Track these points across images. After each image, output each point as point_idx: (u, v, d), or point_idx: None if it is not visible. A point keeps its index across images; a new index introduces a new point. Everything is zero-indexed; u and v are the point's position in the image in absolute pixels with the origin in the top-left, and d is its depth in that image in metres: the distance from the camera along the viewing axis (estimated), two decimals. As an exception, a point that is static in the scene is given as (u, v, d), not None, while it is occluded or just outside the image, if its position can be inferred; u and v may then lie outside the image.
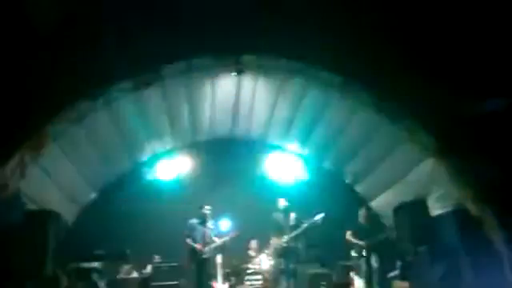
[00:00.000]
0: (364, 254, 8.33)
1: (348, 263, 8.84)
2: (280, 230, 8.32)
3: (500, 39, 6.14)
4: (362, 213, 8.80)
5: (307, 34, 6.54)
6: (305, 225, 8.22)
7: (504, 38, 6.13)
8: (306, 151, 10.79)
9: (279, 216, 8.42)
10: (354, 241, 8.57)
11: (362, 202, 10.09)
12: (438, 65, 6.38)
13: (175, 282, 8.75)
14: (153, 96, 8.39)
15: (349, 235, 8.66)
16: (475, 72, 6.37)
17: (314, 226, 8.26)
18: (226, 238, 8.59)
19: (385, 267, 8.72)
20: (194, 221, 8.45)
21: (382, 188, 9.67)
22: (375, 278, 8.38)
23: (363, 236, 8.50)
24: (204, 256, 8.22)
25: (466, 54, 6.23)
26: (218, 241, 8.45)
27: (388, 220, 9.48)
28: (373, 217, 9.15)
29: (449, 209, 7.45)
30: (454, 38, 6.31)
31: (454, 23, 6.26)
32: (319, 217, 8.22)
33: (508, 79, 6.18)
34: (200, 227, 8.40)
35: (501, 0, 6.07)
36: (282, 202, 8.50)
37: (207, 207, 8.49)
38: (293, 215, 8.39)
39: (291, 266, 8.18)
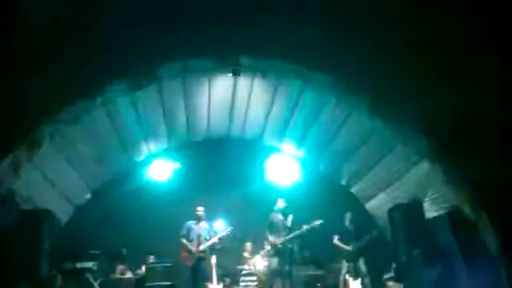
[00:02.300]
0: (352, 257, 8.45)
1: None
2: (276, 231, 8.32)
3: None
4: (347, 216, 8.90)
5: (304, 37, 6.54)
6: (303, 228, 8.24)
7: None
8: (301, 152, 10.79)
9: (276, 217, 8.43)
10: (341, 245, 8.66)
11: (356, 203, 10.13)
12: (434, 67, 6.39)
13: (170, 283, 8.75)
14: (149, 96, 8.38)
15: (336, 240, 8.75)
16: (472, 75, 6.39)
17: (311, 230, 8.29)
18: (222, 235, 8.59)
19: (378, 269, 8.77)
20: (190, 222, 8.46)
21: (377, 190, 9.68)
22: (366, 280, 8.44)
23: (350, 240, 8.59)
24: (199, 256, 8.21)
25: (462, 56, 6.25)
26: (212, 240, 8.45)
27: (383, 221, 9.51)
28: (358, 220, 9.20)
29: (444, 211, 7.47)
30: (450, 41, 6.33)
31: (451, 25, 6.29)
32: (317, 223, 8.25)
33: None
34: (195, 227, 8.41)
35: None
36: (279, 203, 8.51)
37: (200, 208, 8.50)
38: (290, 217, 8.39)
39: (286, 267, 8.19)
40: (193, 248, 8.19)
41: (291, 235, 8.18)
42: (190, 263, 8.26)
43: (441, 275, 7.13)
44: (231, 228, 8.75)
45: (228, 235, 8.74)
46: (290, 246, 8.26)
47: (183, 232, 8.37)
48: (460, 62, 6.35)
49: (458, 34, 6.29)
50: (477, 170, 6.14)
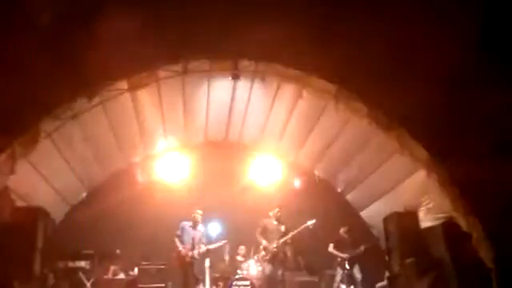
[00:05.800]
0: (347, 266, 8.45)
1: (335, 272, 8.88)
2: (270, 237, 8.30)
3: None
4: (343, 227, 8.92)
5: (303, 42, 6.56)
6: (296, 230, 8.24)
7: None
8: (298, 158, 10.80)
9: (270, 223, 8.41)
10: (336, 253, 8.67)
11: (352, 211, 10.14)
12: (432, 76, 6.41)
13: (162, 285, 8.70)
14: (148, 97, 8.39)
15: (331, 248, 8.76)
16: (467, 83, 6.40)
17: (304, 231, 8.28)
18: (215, 246, 8.60)
19: (371, 277, 8.77)
20: (186, 223, 8.43)
21: (373, 198, 9.70)
22: None
23: (345, 247, 8.60)
24: (190, 259, 8.17)
25: (460, 64, 6.26)
26: (206, 246, 8.42)
27: (378, 230, 9.52)
28: (354, 228, 9.21)
29: (438, 221, 7.48)
30: (448, 47, 6.35)
31: (449, 32, 6.30)
32: (310, 223, 8.26)
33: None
34: (190, 230, 8.38)
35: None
36: (274, 209, 8.49)
37: (198, 211, 8.47)
38: (283, 223, 8.39)
39: (279, 272, 8.17)
40: (185, 252, 8.15)
41: (286, 237, 8.18)
42: (180, 266, 8.21)
43: (433, 285, 7.12)
44: (224, 241, 8.76)
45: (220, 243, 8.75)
46: (283, 251, 8.24)
47: (178, 232, 8.33)
48: (460, 71, 6.36)
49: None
50: (472, 179, 6.15)
